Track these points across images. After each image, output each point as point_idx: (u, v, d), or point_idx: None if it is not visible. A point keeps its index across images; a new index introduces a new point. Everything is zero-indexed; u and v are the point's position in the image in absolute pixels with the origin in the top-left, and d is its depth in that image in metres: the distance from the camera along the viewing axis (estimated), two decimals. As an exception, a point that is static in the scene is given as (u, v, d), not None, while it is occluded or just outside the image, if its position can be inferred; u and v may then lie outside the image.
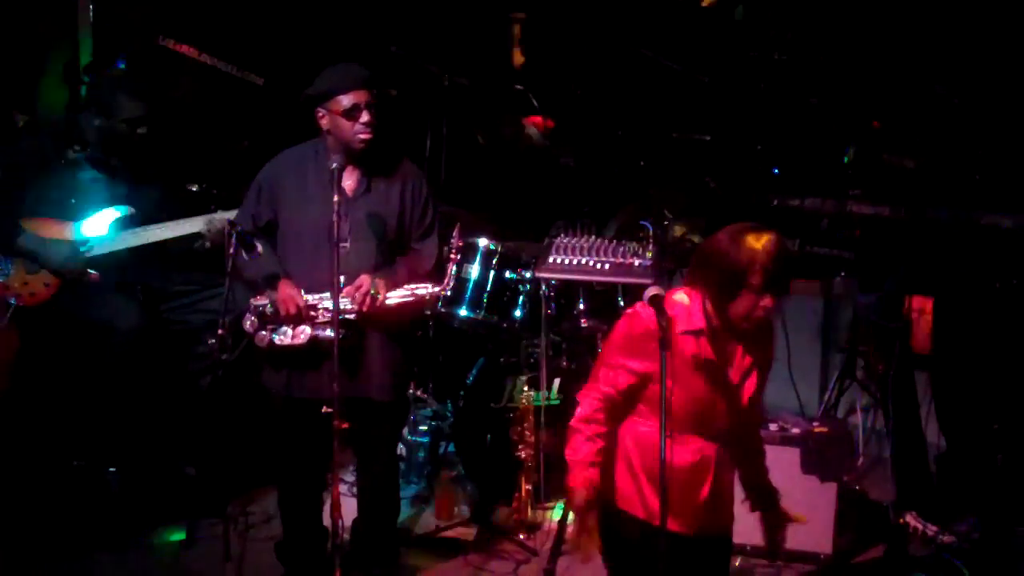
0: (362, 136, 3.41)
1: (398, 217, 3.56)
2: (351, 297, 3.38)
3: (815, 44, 5.16)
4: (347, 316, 3.36)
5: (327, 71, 3.46)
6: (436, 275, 3.60)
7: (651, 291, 2.56)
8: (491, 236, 4.40)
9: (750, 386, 2.71)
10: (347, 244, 3.41)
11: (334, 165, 3.30)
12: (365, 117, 3.39)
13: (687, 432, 2.66)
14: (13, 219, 4.02)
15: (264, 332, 3.45)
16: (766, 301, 2.55)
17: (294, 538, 3.76)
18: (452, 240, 3.58)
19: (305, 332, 3.41)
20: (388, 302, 3.44)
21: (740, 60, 5.32)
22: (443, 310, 4.33)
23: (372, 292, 3.38)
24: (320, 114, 3.44)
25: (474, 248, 4.33)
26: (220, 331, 3.45)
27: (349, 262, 3.37)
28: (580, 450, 2.62)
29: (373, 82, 3.44)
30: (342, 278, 3.34)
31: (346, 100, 3.38)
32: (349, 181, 3.50)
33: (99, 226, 4.11)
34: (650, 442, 2.64)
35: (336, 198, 3.23)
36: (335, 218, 3.22)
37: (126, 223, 4.13)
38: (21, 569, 3.89)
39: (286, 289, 3.44)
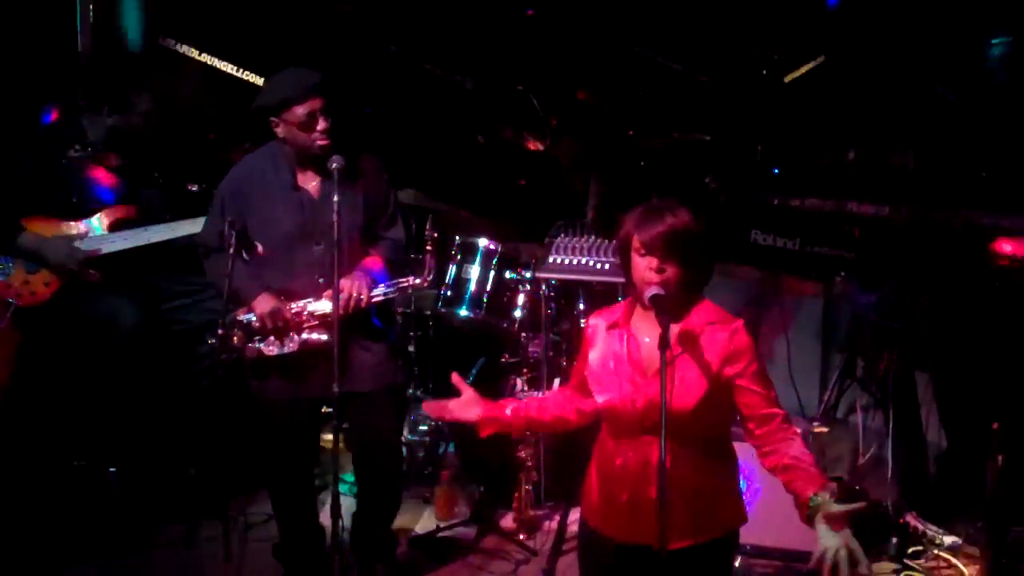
0: (320, 143, 3.40)
1: (363, 211, 3.55)
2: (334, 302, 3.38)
3: (815, 44, 5.15)
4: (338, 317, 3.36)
5: (275, 80, 3.43)
6: (415, 266, 3.61)
7: (651, 291, 2.56)
8: (491, 236, 4.40)
9: (679, 388, 2.57)
10: (320, 247, 3.43)
11: (335, 165, 3.30)
12: (322, 124, 3.37)
13: (630, 435, 2.65)
14: (14, 218, 4.03)
15: (252, 345, 3.47)
16: (651, 263, 2.56)
17: (291, 539, 3.76)
18: (426, 232, 3.59)
19: (295, 340, 3.45)
20: (373, 300, 3.45)
21: (740, 60, 5.32)
22: (443, 310, 4.33)
23: (355, 294, 3.40)
24: (274, 123, 3.41)
25: (474, 248, 4.34)
26: (220, 331, 3.45)
27: (324, 264, 3.37)
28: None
29: (325, 87, 3.39)
30: (321, 280, 3.41)
31: (301, 110, 3.35)
32: (313, 183, 3.50)
33: (100, 226, 4.11)
34: (602, 446, 2.74)
35: (336, 198, 3.24)
36: (335, 217, 3.22)
37: (127, 224, 4.14)
38: (21, 569, 3.89)
39: (269, 303, 3.45)
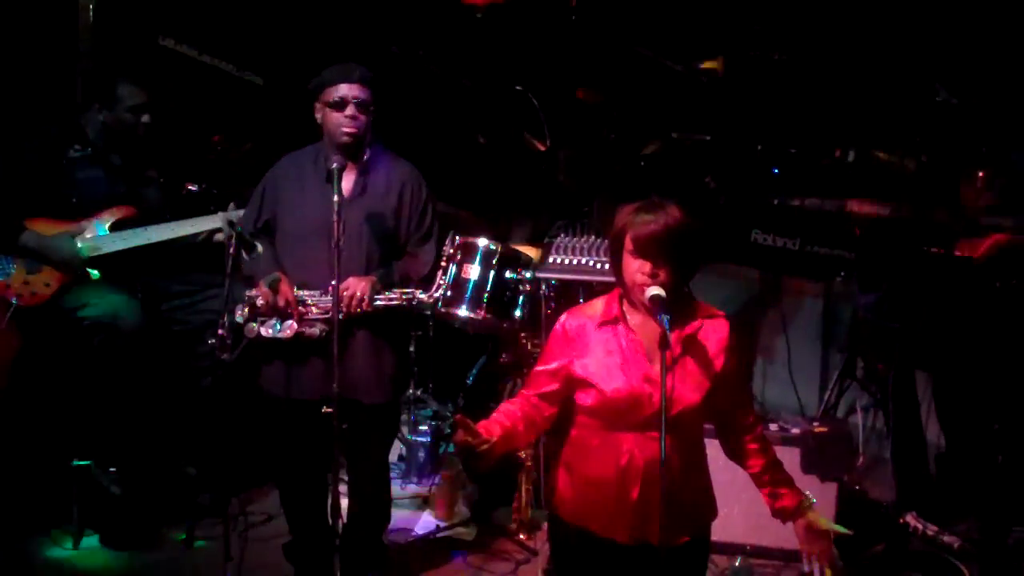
0: (345, 129, 3.44)
1: (394, 219, 3.56)
2: (340, 298, 3.38)
3: (815, 44, 5.15)
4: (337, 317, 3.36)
5: (329, 67, 3.51)
6: (428, 280, 3.60)
7: (651, 291, 2.55)
8: (491, 236, 4.39)
9: (686, 383, 2.61)
10: (341, 245, 3.42)
11: (334, 165, 3.31)
12: (350, 110, 3.43)
13: (616, 431, 2.64)
14: (16, 218, 4.03)
15: (253, 324, 3.48)
16: (643, 266, 2.55)
17: (301, 538, 3.76)
18: (446, 246, 3.59)
19: (292, 327, 3.45)
20: (375, 303, 3.45)
21: (740, 60, 5.32)
22: (443, 310, 4.32)
23: (358, 295, 3.39)
24: (316, 109, 3.51)
25: (474, 248, 4.33)
26: (220, 331, 3.45)
27: (343, 262, 3.37)
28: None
29: (369, 82, 3.48)
30: (334, 282, 3.37)
31: (335, 92, 3.44)
32: (345, 182, 3.51)
33: (100, 226, 4.12)
34: (583, 445, 2.69)
35: (336, 198, 3.24)
36: (335, 217, 3.22)
37: (128, 224, 4.14)
38: (21, 569, 3.89)
39: (266, 283, 3.47)
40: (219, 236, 4.06)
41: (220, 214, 4.02)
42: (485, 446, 2.55)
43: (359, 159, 3.54)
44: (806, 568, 2.69)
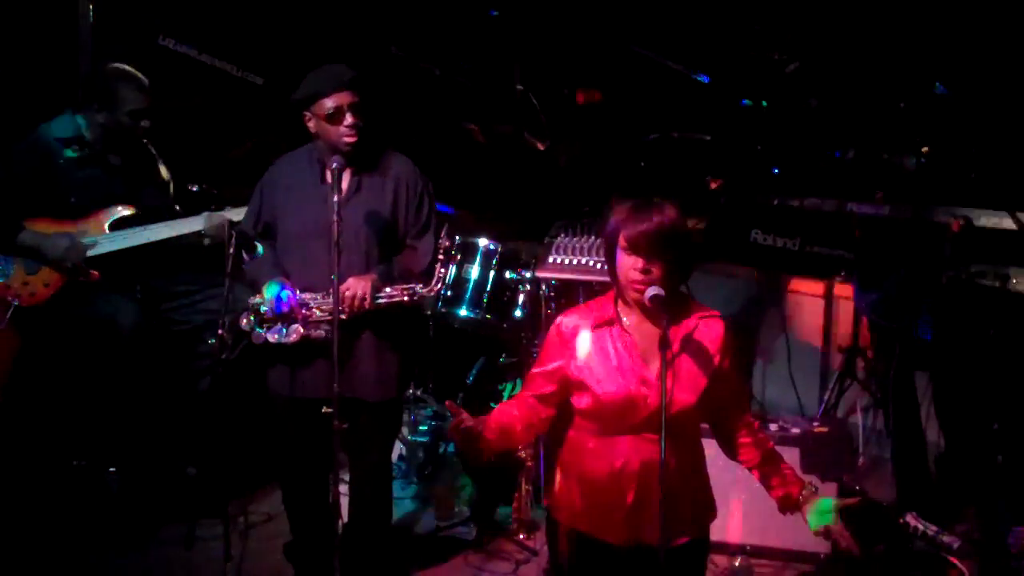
0: (347, 139, 3.41)
1: (391, 214, 3.55)
2: (341, 299, 3.38)
3: (815, 44, 5.15)
4: (339, 317, 3.36)
5: (311, 74, 3.46)
6: (427, 275, 3.60)
7: (651, 291, 2.55)
8: (491, 236, 4.40)
9: (681, 384, 2.61)
10: (341, 244, 3.42)
11: (335, 165, 3.30)
12: (348, 119, 3.39)
13: (612, 434, 2.63)
14: (14, 217, 4.03)
15: (259, 330, 3.47)
16: (636, 263, 2.55)
17: (302, 538, 3.76)
18: (440, 241, 3.59)
19: (297, 331, 3.44)
20: (377, 301, 3.44)
21: (740, 60, 5.32)
22: (443, 310, 4.33)
23: (359, 294, 3.39)
24: (307, 118, 3.45)
25: (474, 248, 4.33)
26: (220, 331, 3.45)
27: (343, 262, 3.38)
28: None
29: (356, 83, 3.43)
30: (334, 278, 3.36)
31: (329, 103, 3.38)
32: (343, 181, 3.50)
33: (99, 226, 4.12)
34: (580, 447, 2.69)
35: (336, 198, 3.23)
36: (335, 218, 3.22)
37: (126, 223, 4.14)
38: (21, 569, 3.89)
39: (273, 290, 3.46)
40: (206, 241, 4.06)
41: (206, 214, 4.02)
42: (480, 428, 2.58)
43: (355, 157, 3.52)
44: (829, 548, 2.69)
